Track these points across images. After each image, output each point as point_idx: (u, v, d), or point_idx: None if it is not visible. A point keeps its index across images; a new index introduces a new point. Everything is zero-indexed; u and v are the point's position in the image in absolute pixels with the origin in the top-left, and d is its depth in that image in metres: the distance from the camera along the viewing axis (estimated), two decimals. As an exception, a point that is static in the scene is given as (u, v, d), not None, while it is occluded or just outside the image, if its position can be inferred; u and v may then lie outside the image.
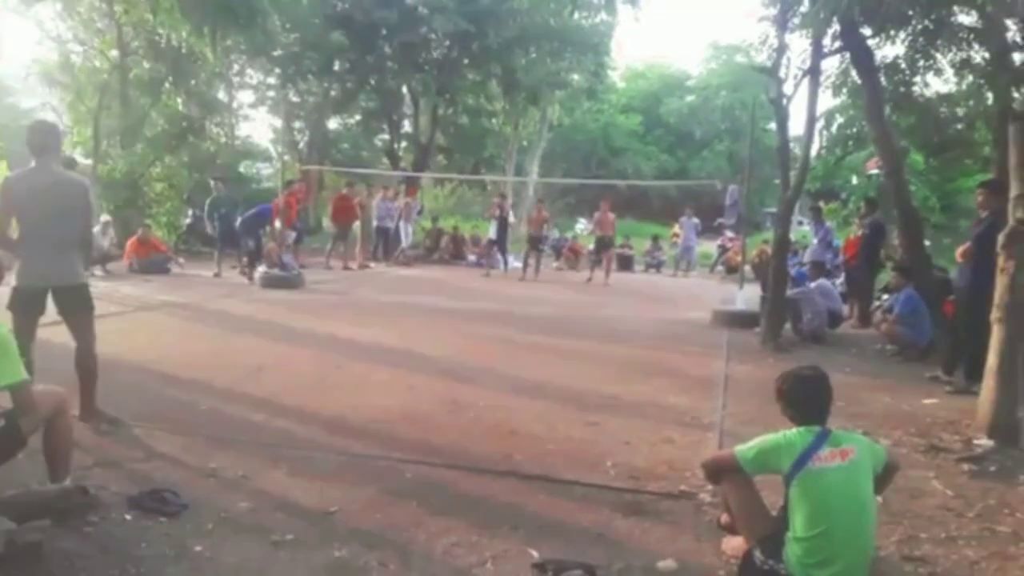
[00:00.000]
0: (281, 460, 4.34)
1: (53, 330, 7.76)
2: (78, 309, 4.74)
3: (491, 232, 16.47)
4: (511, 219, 17.85)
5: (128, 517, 3.47)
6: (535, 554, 3.27)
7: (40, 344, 6.45)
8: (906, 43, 9.88)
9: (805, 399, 3.20)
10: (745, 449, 3.16)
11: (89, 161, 15.57)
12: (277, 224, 13.92)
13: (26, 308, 4.52)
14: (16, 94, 37.08)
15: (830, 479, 2.95)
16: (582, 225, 31.20)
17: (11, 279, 4.56)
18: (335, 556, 3.22)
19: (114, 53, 19.11)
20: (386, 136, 29.30)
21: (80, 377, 4.68)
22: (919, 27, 9.43)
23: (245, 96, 29.79)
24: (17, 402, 3.22)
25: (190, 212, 18.29)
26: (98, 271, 11.98)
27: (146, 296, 10.79)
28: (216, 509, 3.60)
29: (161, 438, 4.61)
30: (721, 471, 3.30)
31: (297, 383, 6.20)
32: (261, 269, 12.91)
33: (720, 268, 20.22)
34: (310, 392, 5.92)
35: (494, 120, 29.12)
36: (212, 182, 16.05)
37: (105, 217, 13.78)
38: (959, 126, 11.91)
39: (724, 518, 3.55)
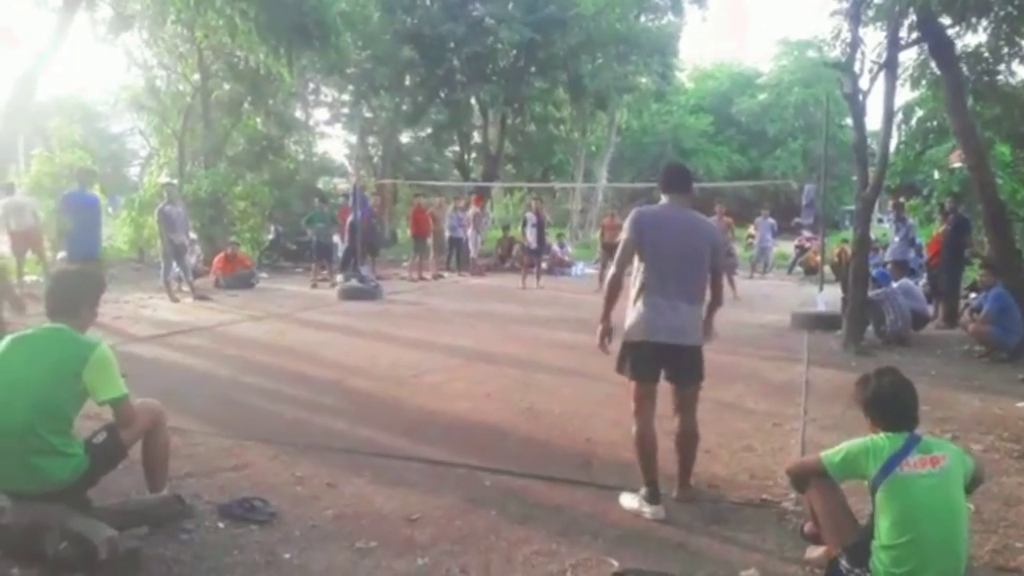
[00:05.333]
0: (364, 468, 4.46)
1: (142, 345, 8.16)
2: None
3: (529, 239, 15.80)
4: (548, 218, 16.86)
5: (221, 525, 3.61)
6: (615, 563, 3.28)
7: (131, 358, 6.79)
8: (988, 31, 9.53)
9: (890, 405, 3.11)
10: (831, 454, 3.10)
11: (176, 181, 16.22)
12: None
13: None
14: (106, 120, 39.04)
15: (920, 486, 2.87)
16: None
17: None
18: (418, 564, 3.29)
19: (196, 76, 19.90)
20: (456, 148, 29.67)
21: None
22: (1002, 13, 9.08)
23: (321, 114, 30.72)
24: (118, 415, 3.38)
25: (272, 228, 18.86)
26: (185, 287, 12.46)
27: (233, 311, 11.19)
28: (303, 517, 3.72)
29: (250, 447, 4.79)
30: (806, 477, 3.24)
31: (377, 392, 6.35)
32: (339, 279, 13.27)
33: (798, 269, 19.77)
34: (390, 400, 6.06)
35: (562, 127, 29.15)
36: (316, 200, 17.05)
37: (192, 235, 14.34)
38: (1048, 115, 11.37)
39: (808, 527, 3.49)
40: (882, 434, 3.05)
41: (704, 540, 3.58)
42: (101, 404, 3.32)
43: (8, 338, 3.39)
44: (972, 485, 3.12)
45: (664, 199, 4.07)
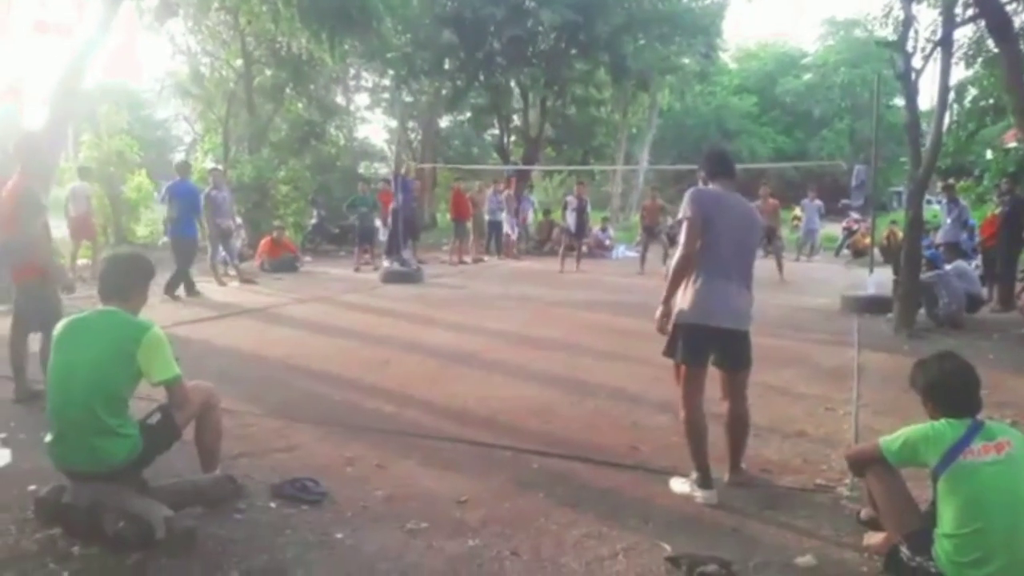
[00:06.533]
0: (412, 449, 4.47)
1: (191, 328, 8.28)
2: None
3: (569, 222, 15.77)
4: (589, 206, 16.78)
5: (273, 505, 3.64)
6: (667, 548, 3.24)
7: (180, 341, 6.88)
8: (1049, 6, 9.20)
9: (952, 390, 3.02)
10: (890, 441, 3.03)
11: (221, 166, 16.44)
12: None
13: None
14: (151, 106, 39.70)
15: (984, 474, 2.78)
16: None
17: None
18: (469, 545, 3.29)
19: (239, 63, 20.12)
20: (496, 131, 29.55)
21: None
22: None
23: (361, 99, 30.88)
24: (172, 396, 3.43)
25: (315, 213, 19.03)
26: (231, 271, 12.65)
27: (279, 294, 11.33)
28: (354, 498, 3.74)
29: (300, 429, 4.83)
30: (865, 464, 3.17)
31: (423, 375, 6.36)
32: (384, 263, 13.37)
33: (846, 251, 19.40)
34: (435, 384, 6.06)
35: (602, 109, 28.87)
36: (359, 184, 17.38)
37: (237, 219, 14.54)
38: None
39: (864, 512, 3.43)
40: (943, 420, 2.96)
41: (758, 525, 3.52)
42: (155, 385, 3.36)
43: (64, 322, 3.45)
44: None
45: (712, 184, 3.98)
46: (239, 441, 4.48)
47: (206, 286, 11.56)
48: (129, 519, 3.12)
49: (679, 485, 3.89)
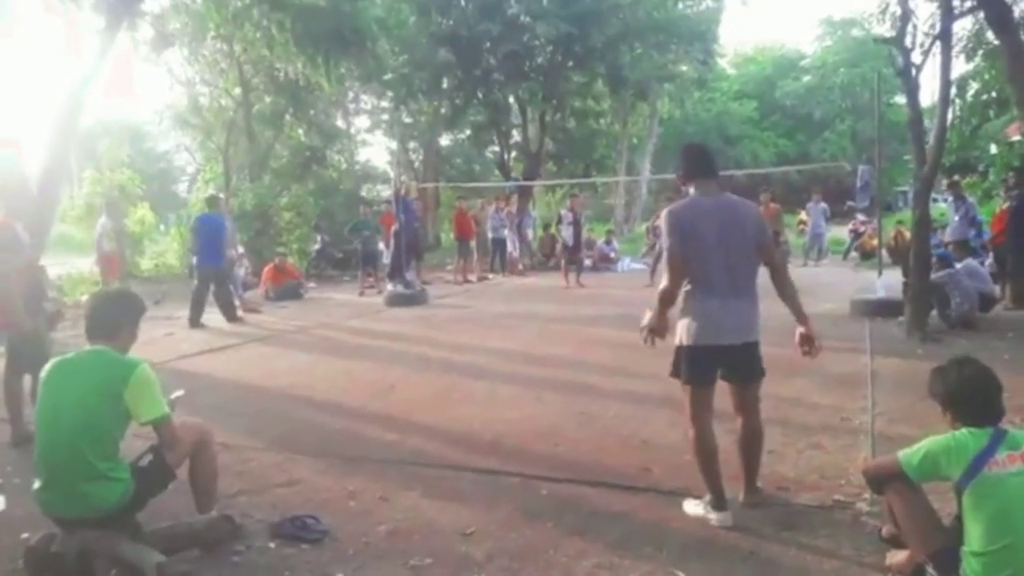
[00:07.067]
0: (415, 480, 4.35)
1: (193, 361, 8.19)
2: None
3: (566, 237, 15.45)
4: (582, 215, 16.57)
5: (272, 545, 3.53)
6: (683, 576, 3.10)
7: (182, 374, 6.80)
8: (1049, -5, 9.09)
9: (973, 399, 2.88)
10: (909, 454, 2.88)
11: (222, 195, 16.42)
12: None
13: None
14: (153, 139, 39.90)
15: (1011, 486, 2.65)
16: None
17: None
18: (475, 581, 3.16)
19: (237, 91, 20.16)
20: (496, 148, 29.53)
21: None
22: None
23: (361, 122, 30.98)
24: (161, 436, 3.32)
25: (318, 238, 18.99)
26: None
27: (282, 322, 11.25)
28: (356, 534, 3.62)
29: (300, 462, 4.71)
30: (884, 480, 3.02)
31: (427, 400, 6.24)
32: (388, 287, 13.30)
33: (853, 254, 19.20)
34: (440, 408, 5.94)
35: (602, 121, 28.82)
36: (361, 208, 17.55)
37: (240, 248, 14.49)
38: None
39: (886, 530, 3.27)
40: (964, 430, 2.82)
41: (776, 547, 3.38)
42: (143, 425, 3.26)
43: (51, 363, 3.35)
44: None
45: (691, 189, 3.79)
46: (237, 477, 4.37)
47: (211, 317, 11.50)
48: (121, 567, 3.01)
49: (693, 507, 3.75)
